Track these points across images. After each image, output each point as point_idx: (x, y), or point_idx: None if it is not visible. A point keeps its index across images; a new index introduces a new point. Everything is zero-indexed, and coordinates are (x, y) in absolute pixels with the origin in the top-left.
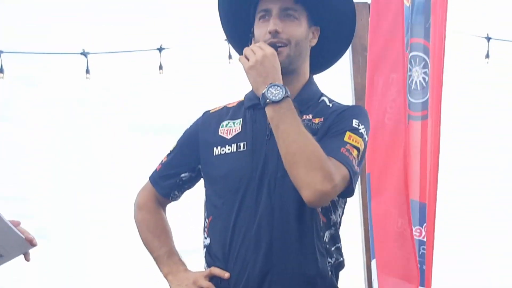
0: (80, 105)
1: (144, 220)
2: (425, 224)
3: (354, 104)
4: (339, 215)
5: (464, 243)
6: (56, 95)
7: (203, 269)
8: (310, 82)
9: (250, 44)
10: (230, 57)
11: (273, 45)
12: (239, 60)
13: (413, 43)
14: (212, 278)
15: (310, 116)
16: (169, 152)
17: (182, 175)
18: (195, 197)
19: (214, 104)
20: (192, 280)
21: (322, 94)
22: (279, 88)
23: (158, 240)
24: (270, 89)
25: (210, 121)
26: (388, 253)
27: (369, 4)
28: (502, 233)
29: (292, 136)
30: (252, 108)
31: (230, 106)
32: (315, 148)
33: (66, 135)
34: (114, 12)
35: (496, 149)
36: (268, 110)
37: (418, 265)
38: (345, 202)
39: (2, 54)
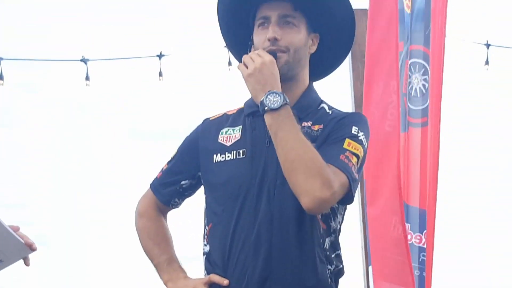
0: (80, 112)
1: (144, 228)
2: (425, 231)
3: (353, 111)
4: (339, 222)
5: (464, 243)
6: (56, 102)
7: (203, 277)
8: (310, 89)
9: (250, 51)
10: (229, 63)
11: (272, 52)
12: (238, 67)
13: (413, 50)
14: (211, 285)
15: (309, 123)
16: (169, 159)
17: (183, 182)
18: (195, 204)
19: (214, 110)
20: (192, 287)
21: (322, 101)
22: (277, 95)
23: (158, 247)
24: (268, 96)
25: (210, 128)
26: (384, 259)
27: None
28: (502, 233)
29: (291, 144)
30: (251, 115)
31: (230, 113)
32: (313, 155)
33: (66, 141)
34: (114, 12)
35: (495, 150)
36: (267, 118)
37: (414, 271)
38: (345, 209)
39: (2, 61)
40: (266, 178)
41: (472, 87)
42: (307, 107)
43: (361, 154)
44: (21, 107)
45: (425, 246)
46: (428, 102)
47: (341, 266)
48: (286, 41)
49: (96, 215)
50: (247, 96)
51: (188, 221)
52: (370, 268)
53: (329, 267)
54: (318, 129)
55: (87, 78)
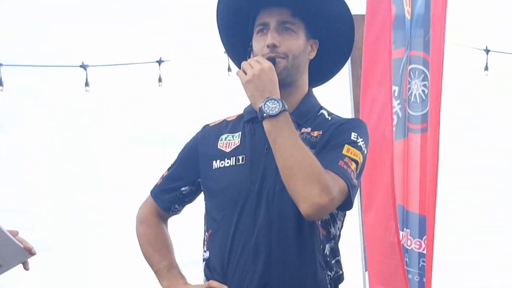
0: (80, 117)
1: (145, 234)
2: (425, 237)
3: (353, 117)
4: (339, 228)
5: (464, 244)
6: (56, 107)
7: (203, 283)
8: (309, 95)
9: (249, 57)
10: (229, 69)
11: (271, 59)
12: (237, 74)
13: (413, 56)
14: None
15: (309, 129)
16: (169, 166)
17: (182, 188)
18: (197, 210)
19: (213, 116)
20: None
21: (321, 107)
22: (276, 102)
23: (158, 254)
24: (267, 103)
25: (209, 134)
26: (379, 264)
27: None
28: (502, 233)
29: (289, 150)
30: (251, 122)
31: (229, 119)
32: (312, 162)
33: (65, 147)
34: (114, 12)
35: (495, 152)
36: (266, 124)
37: (413, 276)
38: (345, 215)
39: (1, 67)
40: (265, 184)
41: (471, 93)
42: (306, 113)
43: (360, 160)
44: (21, 113)
45: (425, 251)
46: (427, 108)
47: (340, 272)
48: (285, 47)
49: (96, 216)
50: (247, 102)
51: (192, 226)
52: (366, 273)
53: (329, 273)
54: (317, 135)
55: (86, 84)
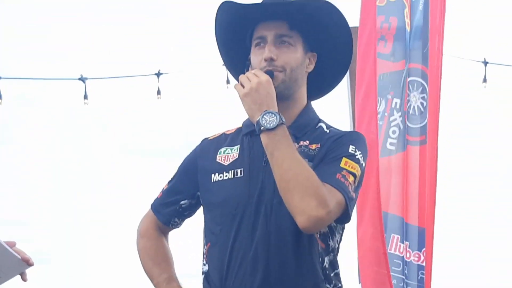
0: (79, 129)
1: (145, 248)
2: (424, 249)
3: (352, 129)
4: (337, 241)
5: (464, 249)
6: (55, 119)
7: None
8: (308, 108)
9: (247, 71)
10: (228, 82)
11: (269, 72)
12: (235, 87)
13: (411, 68)
14: None
15: (307, 142)
16: (169, 179)
17: (182, 202)
18: (196, 224)
19: (212, 128)
20: None
21: (320, 120)
22: (273, 115)
23: (158, 267)
24: (264, 116)
25: (208, 148)
26: (371, 273)
27: None
28: (502, 239)
29: (287, 163)
30: (249, 135)
31: (228, 133)
32: (309, 175)
33: (64, 158)
34: (114, 12)
35: (493, 161)
36: (263, 138)
37: (392, 279)
38: (343, 228)
39: (0, 80)
40: (263, 197)
41: (470, 105)
42: (305, 126)
43: (358, 173)
44: (19, 124)
45: (423, 264)
46: (426, 121)
47: (340, 285)
48: (283, 60)
49: (96, 216)
50: (245, 115)
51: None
52: (359, 286)
53: (328, 286)
54: (315, 148)
55: (85, 97)
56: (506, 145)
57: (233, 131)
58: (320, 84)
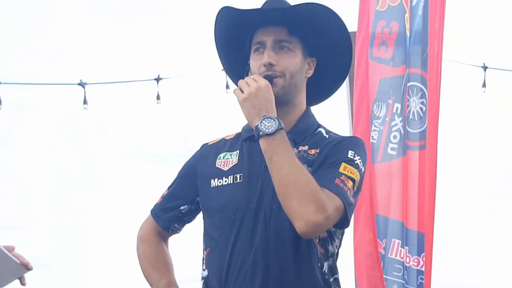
0: (79, 134)
1: (145, 253)
2: (423, 254)
3: (351, 134)
4: (337, 246)
5: (463, 251)
6: (54, 124)
7: None
8: (307, 114)
9: (247, 76)
10: (227, 87)
11: (268, 77)
12: (234, 92)
13: (411, 73)
14: None
15: (306, 147)
16: (169, 185)
17: (182, 207)
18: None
19: (211, 133)
20: None
21: (319, 125)
22: (272, 120)
23: (158, 272)
24: (263, 121)
25: (208, 153)
26: (366, 277)
27: None
28: (502, 239)
29: (285, 168)
30: (249, 140)
31: (228, 138)
32: (308, 180)
33: (64, 163)
34: (114, 12)
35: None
36: (262, 143)
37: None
38: (343, 233)
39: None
40: (262, 202)
41: (469, 109)
42: (304, 131)
43: (357, 178)
44: (19, 129)
45: (423, 269)
46: (425, 126)
47: None
48: (282, 66)
49: (96, 220)
50: (245, 120)
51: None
52: None
53: None
54: (314, 153)
55: (85, 102)
56: (505, 148)
57: (232, 136)
58: (320, 89)
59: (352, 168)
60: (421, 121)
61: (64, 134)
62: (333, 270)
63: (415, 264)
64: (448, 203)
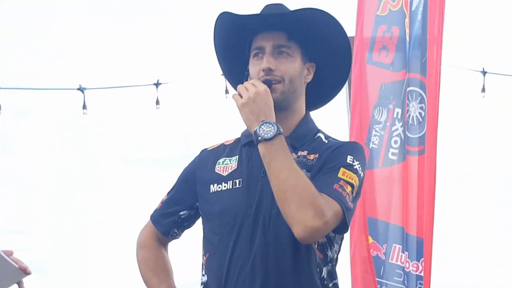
0: (78, 139)
1: (144, 258)
2: (422, 259)
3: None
4: (336, 251)
5: (463, 253)
6: (53, 128)
7: None
8: (306, 119)
9: (246, 81)
10: (226, 92)
11: (267, 82)
12: (233, 97)
13: (410, 78)
14: None
15: (305, 153)
16: (169, 190)
17: (181, 213)
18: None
19: (211, 138)
20: None
21: (319, 131)
22: (271, 125)
23: (157, 278)
24: (262, 126)
25: (207, 158)
26: (361, 280)
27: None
28: (501, 243)
29: (284, 173)
30: (248, 145)
31: (227, 143)
32: (306, 185)
33: (63, 167)
34: (114, 12)
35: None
36: (261, 148)
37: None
38: (342, 238)
39: None
40: (261, 208)
41: (468, 114)
42: (303, 137)
43: (356, 183)
44: (18, 134)
45: (422, 274)
46: (424, 131)
47: None
48: (281, 71)
49: (95, 226)
50: (244, 125)
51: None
52: None
53: None
54: (313, 158)
55: (84, 107)
56: (504, 153)
57: (232, 141)
58: (319, 94)
59: (351, 173)
60: (420, 126)
61: (64, 139)
62: (332, 275)
63: (414, 269)
64: (448, 209)
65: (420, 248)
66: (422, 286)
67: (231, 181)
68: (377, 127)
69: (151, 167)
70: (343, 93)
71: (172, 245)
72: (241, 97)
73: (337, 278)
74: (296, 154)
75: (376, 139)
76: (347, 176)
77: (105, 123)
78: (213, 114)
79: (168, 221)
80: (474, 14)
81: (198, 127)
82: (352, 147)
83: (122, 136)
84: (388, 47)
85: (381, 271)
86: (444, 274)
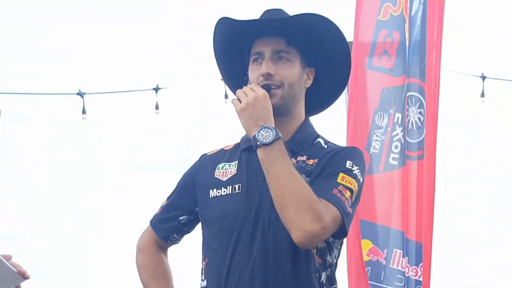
0: (77, 144)
1: (144, 263)
2: (421, 264)
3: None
4: (335, 256)
5: (463, 250)
6: (53, 134)
7: None
8: (306, 124)
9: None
10: (226, 96)
11: (266, 86)
12: (232, 102)
13: (410, 83)
14: None
15: (304, 158)
16: (168, 195)
17: (181, 218)
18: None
19: (210, 143)
20: None
21: (318, 136)
22: (269, 130)
23: (157, 283)
24: (260, 131)
25: (206, 164)
26: (355, 284)
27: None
28: (501, 243)
29: (283, 178)
30: (247, 150)
31: (227, 149)
32: (305, 190)
33: (62, 174)
34: (114, 12)
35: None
36: (259, 153)
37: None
38: (341, 243)
39: None
40: (260, 212)
41: (468, 119)
42: (303, 142)
43: (355, 188)
44: (17, 139)
45: (421, 279)
46: (423, 136)
47: None
48: (280, 76)
49: (95, 231)
50: (244, 130)
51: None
52: None
53: None
54: (312, 164)
55: (83, 112)
56: (504, 158)
57: (231, 146)
58: (319, 99)
59: (350, 178)
60: (419, 131)
61: (63, 144)
62: (332, 280)
63: (414, 274)
64: (448, 209)
65: (419, 253)
66: None
67: (230, 186)
68: (378, 132)
69: (151, 172)
70: (343, 98)
71: (172, 250)
72: (240, 102)
73: (336, 283)
74: (296, 159)
75: (377, 143)
76: (346, 181)
77: (105, 128)
78: (212, 118)
79: (167, 226)
80: (473, 18)
81: (198, 132)
82: (352, 152)
83: (121, 141)
84: (390, 52)
85: (382, 276)
86: (444, 275)
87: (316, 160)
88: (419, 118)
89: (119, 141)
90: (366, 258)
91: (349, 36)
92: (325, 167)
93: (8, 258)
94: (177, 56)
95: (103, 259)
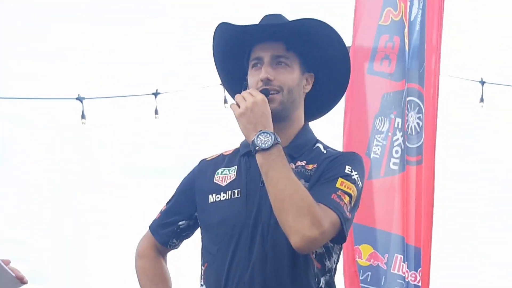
0: (76, 149)
1: (143, 268)
2: (420, 269)
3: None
4: (334, 261)
5: (463, 250)
6: (52, 139)
7: None
8: (305, 129)
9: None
10: (225, 101)
11: (265, 91)
12: (231, 107)
13: (409, 88)
14: None
15: (303, 162)
16: (168, 200)
17: (180, 223)
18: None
19: (209, 147)
20: None
21: (318, 141)
22: (268, 135)
23: (156, 287)
24: (259, 136)
25: (206, 169)
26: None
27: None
28: (501, 243)
29: (281, 183)
30: (247, 155)
31: (226, 154)
32: (304, 195)
33: (62, 178)
34: (114, 12)
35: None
36: (258, 157)
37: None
38: (340, 248)
39: None
40: (260, 217)
41: (467, 124)
42: (302, 147)
43: (354, 193)
44: (16, 143)
45: (420, 284)
46: (422, 141)
47: None
48: (279, 81)
49: (95, 237)
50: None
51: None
52: None
53: None
54: (311, 168)
55: (83, 117)
56: (503, 162)
57: (231, 151)
58: (318, 104)
59: (349, 183)
60: (418, 136)
61: (63, 148)
62: (331, 285)
63: (413, 279)
64: (448, 209)
65: (418, 258)
66: None
67: (230, 191)
68: (379, 137)
69: (150, 176)
70: (342, 103)
71: (171, 255)
72: (239, 106)
73: None
74: (295, 164)
75: (378, 148)
76: (345, 186)
77: (104, 133)
78: (212, 123)
79: (167, 231)
80: (472, 25)
81: (197, 136)
82: (351, 158)
83: (121, 146)
84: (390, 56)
85: (382, 281)
86: (444, 275)
87: (315, 165)
88: (418, 123)
89: (118, 145)
90: (366, 263)
91: (349, 41)
92: (324, 172)
93: (7, 262)
94: (177, 56)
95: (102, 263)
